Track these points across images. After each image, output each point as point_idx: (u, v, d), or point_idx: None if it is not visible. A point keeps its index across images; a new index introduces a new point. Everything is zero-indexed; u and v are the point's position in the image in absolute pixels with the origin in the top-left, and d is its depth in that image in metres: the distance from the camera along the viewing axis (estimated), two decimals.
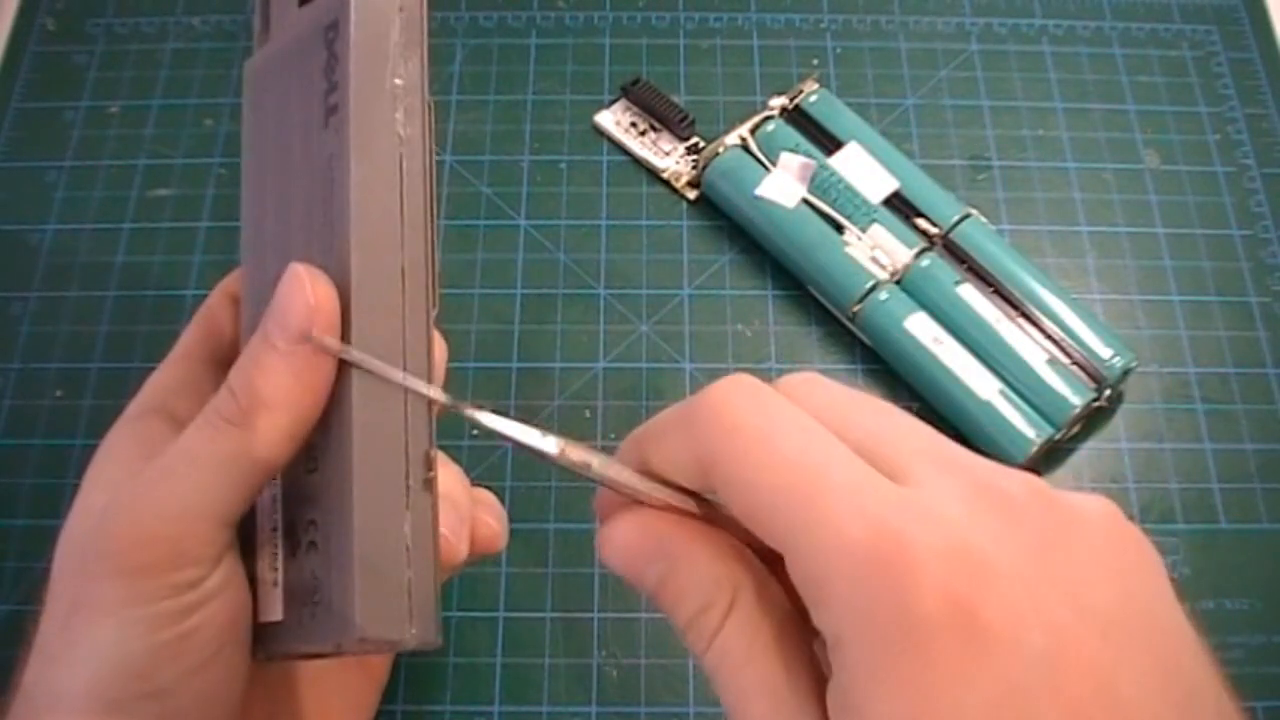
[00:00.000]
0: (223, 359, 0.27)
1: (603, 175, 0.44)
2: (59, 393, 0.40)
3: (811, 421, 0.19)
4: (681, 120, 0.44)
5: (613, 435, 0.38)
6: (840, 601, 0.17)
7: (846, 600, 0.17)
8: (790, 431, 0.18)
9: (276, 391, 0.23)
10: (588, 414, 0.39)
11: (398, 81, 0.25)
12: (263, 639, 0.25)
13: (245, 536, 0.25)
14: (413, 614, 0.23)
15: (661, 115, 0.44)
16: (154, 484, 0.23)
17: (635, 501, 0.21)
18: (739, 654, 0.19)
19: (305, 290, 0.23)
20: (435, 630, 0.23)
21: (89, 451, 0.39)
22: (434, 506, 0.24)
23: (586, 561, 0.36)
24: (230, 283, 0.29)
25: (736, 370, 0.39)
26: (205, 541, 0.23)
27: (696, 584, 0.20)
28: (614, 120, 0.45)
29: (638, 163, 0.44)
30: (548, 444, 0.22)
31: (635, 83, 0.45)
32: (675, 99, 0.44)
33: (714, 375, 0.39)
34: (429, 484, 0.24)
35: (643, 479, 0.21)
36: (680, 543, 0.21)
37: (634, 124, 0.44)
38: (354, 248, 0.23)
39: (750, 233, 0.42)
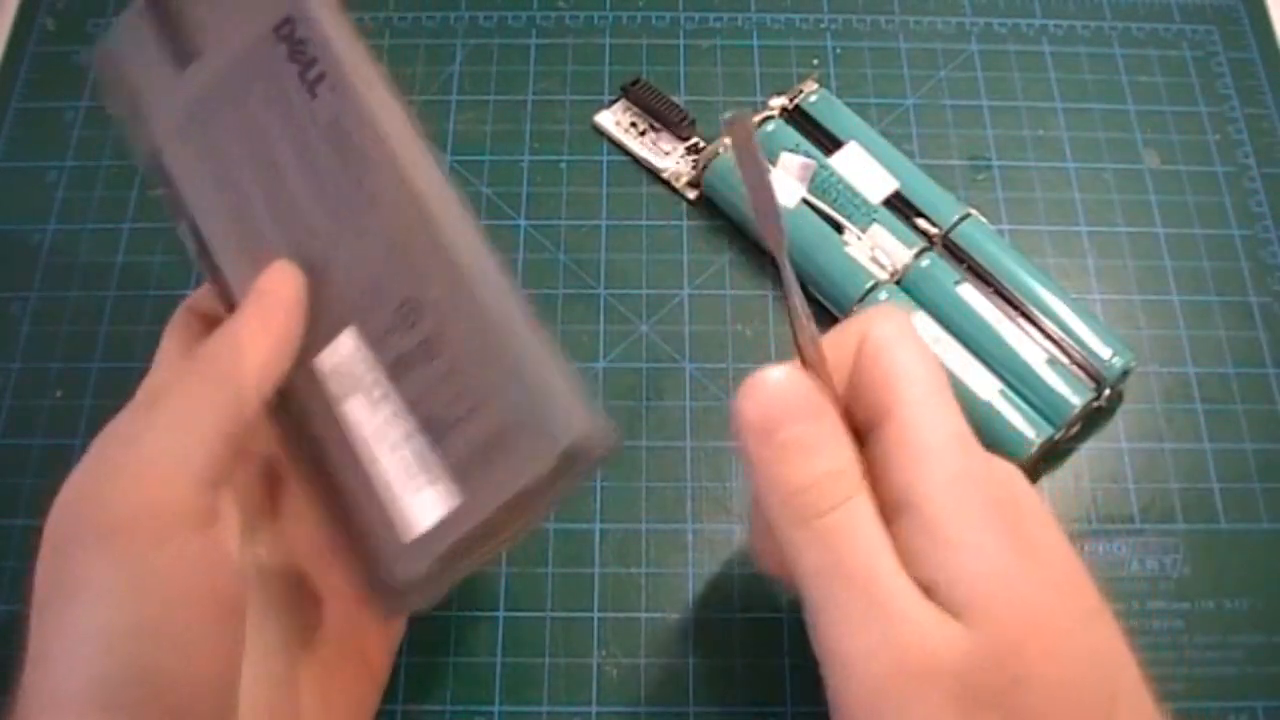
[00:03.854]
0: None
1: (603, 175, 0.44)
2: (59, 393, 0.40)
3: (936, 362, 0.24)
4: (681, 120, 0.44)
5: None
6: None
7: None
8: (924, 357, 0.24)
9: (244, 335, 0.24)
10: None
11: (364, 50, 0.27)
12: (421, 550, 0.25)
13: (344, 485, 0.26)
14: (593, 415, 0.24)
15: (661, 115, 0.44)
16: (129, 447, 0.23)
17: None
18: (866, 526, 0.22)
19: (288, 273, 0.26)
20: (613, 433, 0.24)
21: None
22: (553, 342, 0.25)
23: (586, 561, 0.36)
24: (196, 301, 0.30)
25: (736, 370, 0.39)
26: (187, 501, 0.22)
27: (838, 447, 0.23)
28: (614, 120, 0.45)
29: (638, 163, 0.44)
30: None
31: (635, 83, 0.45)
32: (675, 99, 0.44)
33: (714, 375, 0.39)
34: (540, 324, 0.25)
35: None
36: (828, 406, 0.23)
37: (634, 124, 0.44)
38: (402, 157, 0.26)
39: (750, 233, 0.42)
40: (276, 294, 0.26)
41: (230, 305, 0.28)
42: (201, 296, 0.30)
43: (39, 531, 0.37)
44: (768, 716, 0.34)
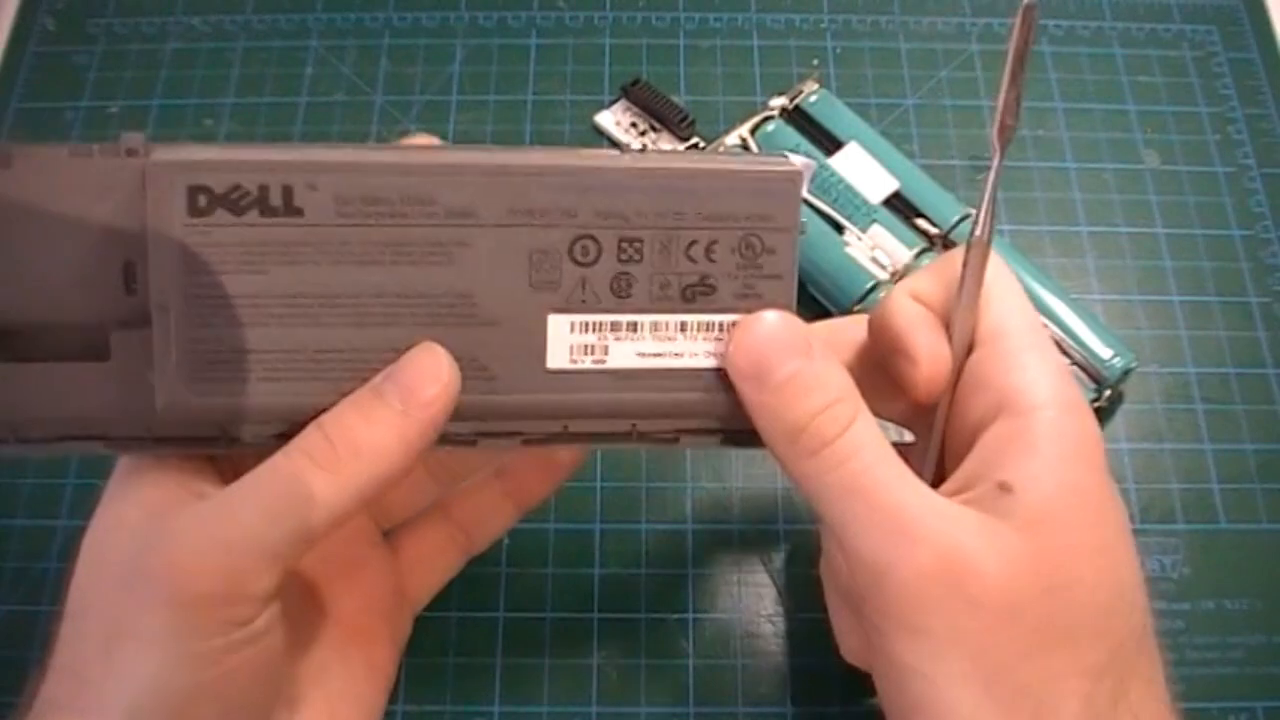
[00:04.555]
0: None
1: None
2: None
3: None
4: (681, 120, 0.44)
5: None
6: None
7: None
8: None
9: (377, 445, 0.22)
10: None
11: None
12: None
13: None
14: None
15: (661, 115, 0.44)
16: (220, 513, 0.22)
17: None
18: (874, 443, 0.23)
19: (440, 364, 0.23)
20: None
21: None
22: None
23: (586, 561, 0.36)
24: None
25: None
26: (263, 578, 0.22)
27: (833, 378, 0.23)
28: (614, 120, 0.45)
29: None
30: None
31: (635, 83, 0.45)
32: (675, 99, 0.44)
33: None
34: None
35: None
36: (819, 343, 0.24)
37: (634, 124, 0.44)
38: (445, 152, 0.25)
39: None
40: (420, 383, 0.23)
41: None
42: None
43: (39, 531, 0.38)
44: (768, 716, 0.34)
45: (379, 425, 0.22)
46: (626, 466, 0.38)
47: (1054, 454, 0.23)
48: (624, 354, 0.25)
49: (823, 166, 0.41)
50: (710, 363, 0.25)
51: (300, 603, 0.28)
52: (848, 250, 0.39)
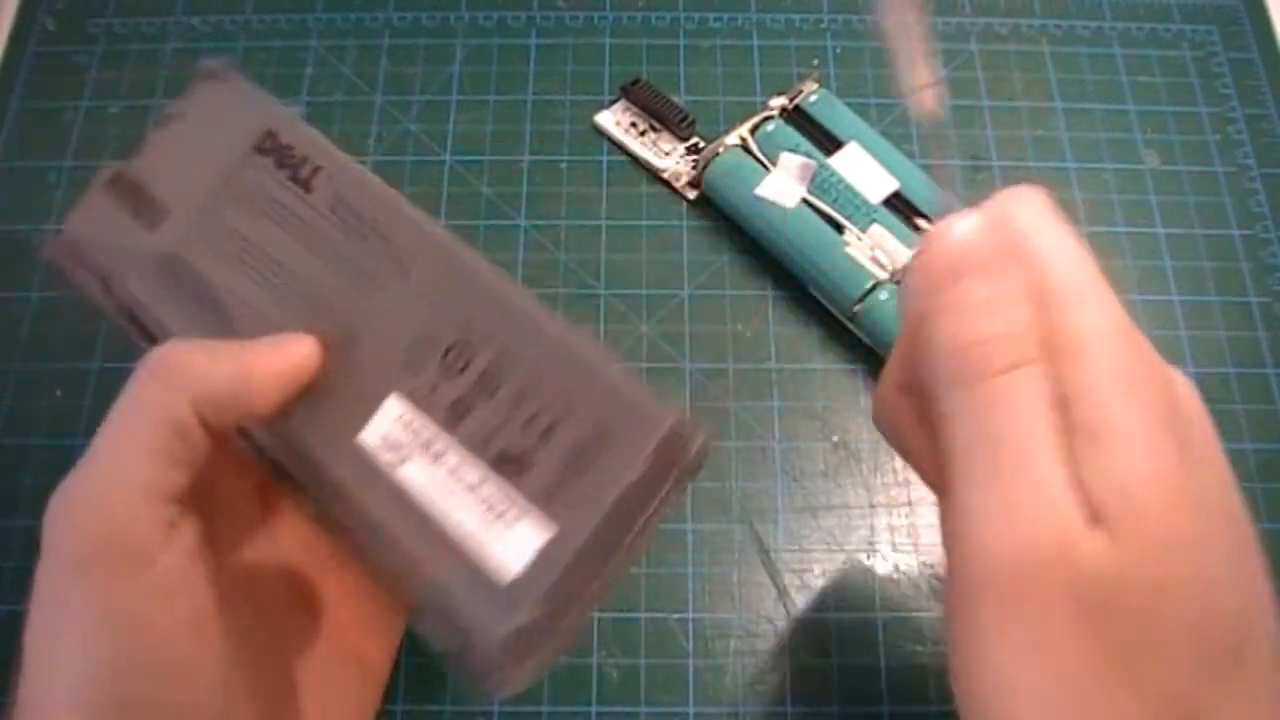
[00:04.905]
0: None
1: (603, 175, 0.44)
2: (59, 393, 0.40)
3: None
4: (681, 120, 0.44)
5: None
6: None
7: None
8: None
9: (214, 361, 0.24)
10: None
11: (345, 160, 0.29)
12: (522, 593, 0.23)
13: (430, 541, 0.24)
14: (678, 408, 0.24)
15: (661, 115, 0.44)
16: (85, 468, 0.23)
17: None
18: (1038, 394, 0.20)
19: (303, 349, 0.25)
20: (702, 424, 0.24)
21: None
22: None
23: None
24: None
25: (736, 370, 0.39)
26: (140, 514, 0.22)
27: (1020, 309, 0.21)
28: (614, 120, 0.45)
29: (638, 163, 0.44)
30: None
31: (635, 83, 0.45)
32: (675, 99, 0.44)
33: (714, 375, 0.39)
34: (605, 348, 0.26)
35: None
36: (1016, 266, 0.21)
37: (634, 124, 0.44)
38: (416, 212, 0.27)
39: (750, 233, 0.42)
40: (275, 342, 0.25)
41: None
42: None
43: (39, 532, 0.38)
44: (768, 716, 0.34)
45: (221, 351, 0.24)
46: None
47: (1121, 444, 0.20)
48: (416, 473, 0.24)
49: (823, 166, 0.41)
50: (466, 543, 0.24)
51: (289, 597, 0.28)
52: (848, 250, 0.39)
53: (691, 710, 0.34)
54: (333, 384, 0.26)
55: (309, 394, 0.25)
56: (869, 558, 0.37)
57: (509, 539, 0.23)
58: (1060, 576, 0.19)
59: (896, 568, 0.37)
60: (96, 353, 0.40)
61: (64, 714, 0.21)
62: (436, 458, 0.24)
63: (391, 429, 0.25)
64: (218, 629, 0.23)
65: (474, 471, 0.24)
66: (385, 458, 0.25)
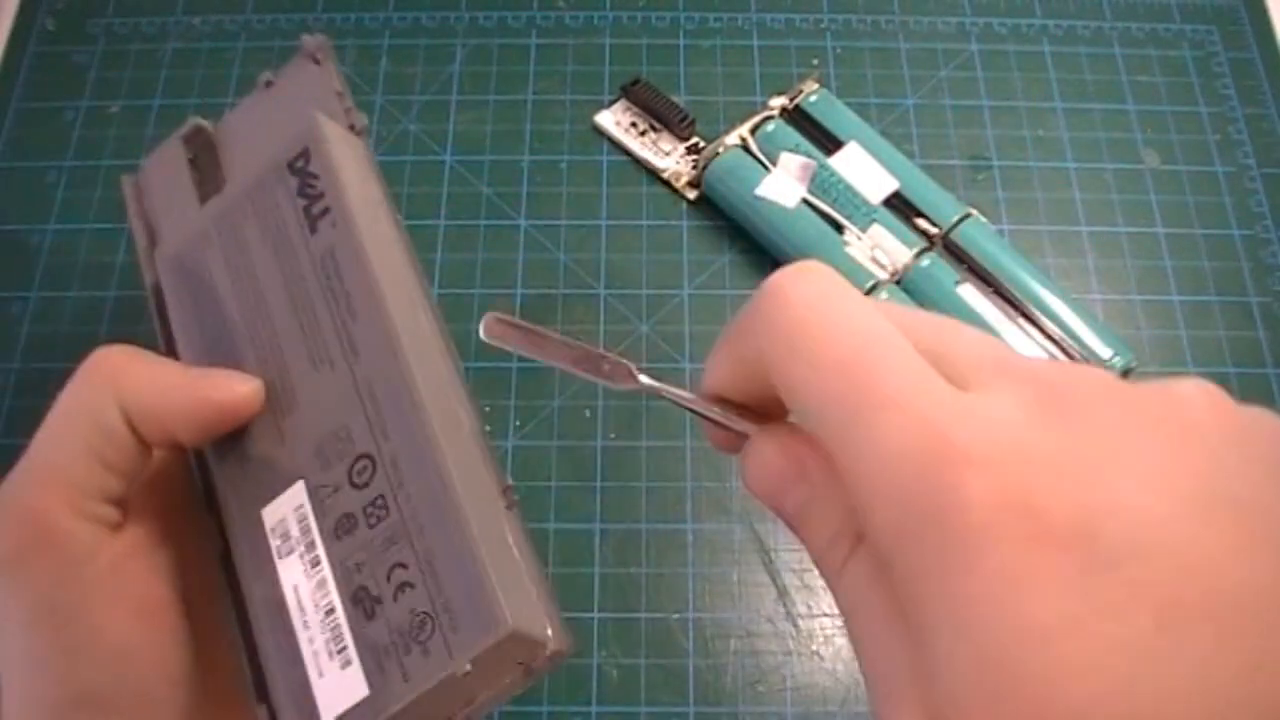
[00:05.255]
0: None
1: (603, 175, 0.44)
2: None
3: (873, 315, 0.17)
4: (681, 120, 0.44)
5: (613, 435, 0.38)
6: (885, 518, 0.15)
7: (892, 518, 0.15)
8: (846, 328, 0.16)
9: (150, 373, 0.24)
10: (588, 414, 0.39)
11: (373, 192, 0.28)
12: None
13: (277, 654, 0.23)
14: (548, 615, 0.22)
15: (661, 115, 0.44)
16: (18, 468, 0.23)
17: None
18: (865, 584, 0.17)
19: (250, 388, 0.25)
20: (570, 637, 0.23)
21: None
22: (524, 521, 0.24)
23: (587, 561, 0.36)
24: None
25: None
26: (66, 511, 0.22)
27: (832, 511, 0.18)
28: (614, 120, 0.45)
29: (638, 163, 0.44)
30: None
31: (635, 83, 0.45)
32: (675, 99, 0.44)
33: None
34: (513, 504, 0.24)
35: (706, 402, 0.19)
36: (819, 468, 0.18)
37: (634, 124, 0.44)
38: (390, 306, 0.25)
39: (750, 233, 0.42)
40: (222, 375, 0.25)
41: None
42: None
43: None
44: (767, 716, 0.34)
45: (159, 367, 0.24)
46: (626, 466, 0.38)
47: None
48: (291, 572, 0.24)
49: (823, 166, 0.41)
50: (305, 661, 0.23)
51: None
52: (848, 250, 0.39)
53: (691, 710, 0.34)
54: (258, 442, 0.25)
55: (236, 441, 0.25)
56: None
57: (336, 681, 0.22)
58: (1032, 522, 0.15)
59: None
60: None
61: (19, 711, 0.21)
62: (313, 565, 0.24)
63: (289, 516, 0.24)
64: (172, 623, 0.23)
65: (334, 596, 0.23)
66: (275, 542, 0.24)
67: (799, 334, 0.16)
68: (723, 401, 0.19)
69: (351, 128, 0.29)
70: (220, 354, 0.27)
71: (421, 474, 0.23)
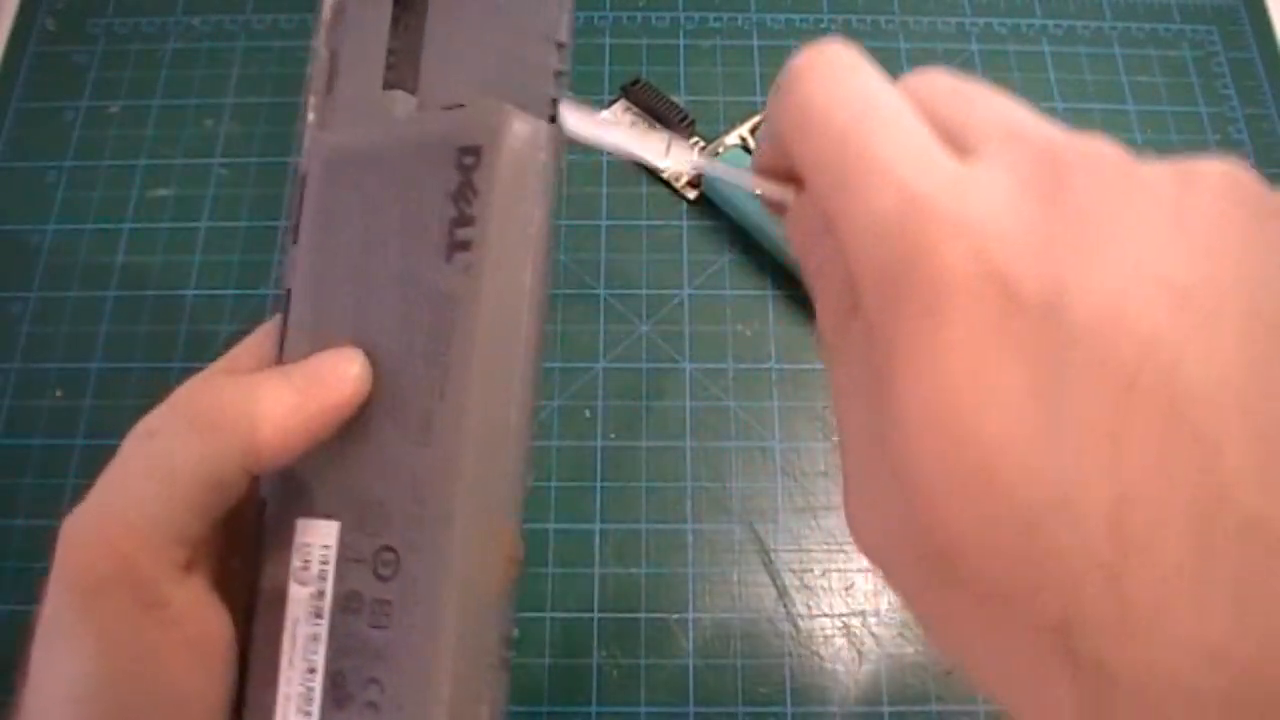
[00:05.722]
0: None
1: (603, 175, 0.44)
2: (59, 393, 0.40)
3: (881, 89, 0.17)
4: (681, 120, 0.44)
5: (613, 435, 0.38)
6: (868, 281, 0.15)
7: (874, 280, 0.15)
8: (848, 100, 0.16)
9: (266, 413, 0.22)
10: (588, 414, 0.39)
11: (531, 230, 0.23)
12: None
13: (262, 656, 0.23)
14: None
15: (661, 115, 0.44)
16: (104, 496, 0.22)
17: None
18: (853, 357, 0.17)
19: (353, 363, 0.23)
20: None
21: (89, 451, 0.39)
22: (508, 686, 0.23)
23: (587, 561, 0.36)
24: (267, 331, 0.26)
25: (737, 370, 0.39)
26: (157, 558, 0.21)
27: (838, 276, 0.18)
28: (614, 120, 0.45)
29: (638, 163, 0.44)
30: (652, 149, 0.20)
31: (635, 83, 0.45)
32: (675, 99, 0.44)
33: (714, 375, 0.39)
34: (505, 663, 0.23)
35: (754, 177, 0.20)
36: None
37: (634, 124, 0.44)
38: (473, 432, 0.22)
39: (750, 233, 0.42)
40: (330, 369, 0.23)
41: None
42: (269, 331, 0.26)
43: (39, 531, 0.38)
44: (768, 716, 0.34)
45: (270, 401, 0.22)
46: (626, 466, 0.38)
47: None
48: (297, 606, 0.23)
49: None
50: (280, 705, 0.23)
51: None
52: None
53: (691, 710, 0.34)
54: (319, 447, 0.23)
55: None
56: None
57: None
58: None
59: None
60: (96, 353, 0.40)
61: None
62: (315, 615, 0.23)
63: (315, 548, 0.23)
64: (225, 666, 0.23)
65: (321, 660, 0.23)
66: (296, 561, 0.23)
67: (806, 107, 0.17)
68: (767, 173, 0.19)
69: (553, 102, 0.24)
70: (326, 313, 0.24)
71: (425, 621, 0.22)
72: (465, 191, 0.23)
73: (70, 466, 0.38)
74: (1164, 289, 0.13)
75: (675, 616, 0.36)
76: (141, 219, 0.43)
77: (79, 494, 0.34)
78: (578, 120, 0.21)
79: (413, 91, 0.25)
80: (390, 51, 0.25)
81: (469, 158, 0.23)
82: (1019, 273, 0.14)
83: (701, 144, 0.44)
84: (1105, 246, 0.14)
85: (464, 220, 0.22)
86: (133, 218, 0.43)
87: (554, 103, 0.24)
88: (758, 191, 0.20)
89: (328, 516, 0.23)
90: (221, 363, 0.26)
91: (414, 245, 0.23)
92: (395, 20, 0.26)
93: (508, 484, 0.23)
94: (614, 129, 0.20)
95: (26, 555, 0.37)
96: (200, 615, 0.23)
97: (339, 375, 0.23)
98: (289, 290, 0.24)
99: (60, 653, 0.21)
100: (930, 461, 0.14)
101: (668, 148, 0.21)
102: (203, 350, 0.40)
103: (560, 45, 0.24)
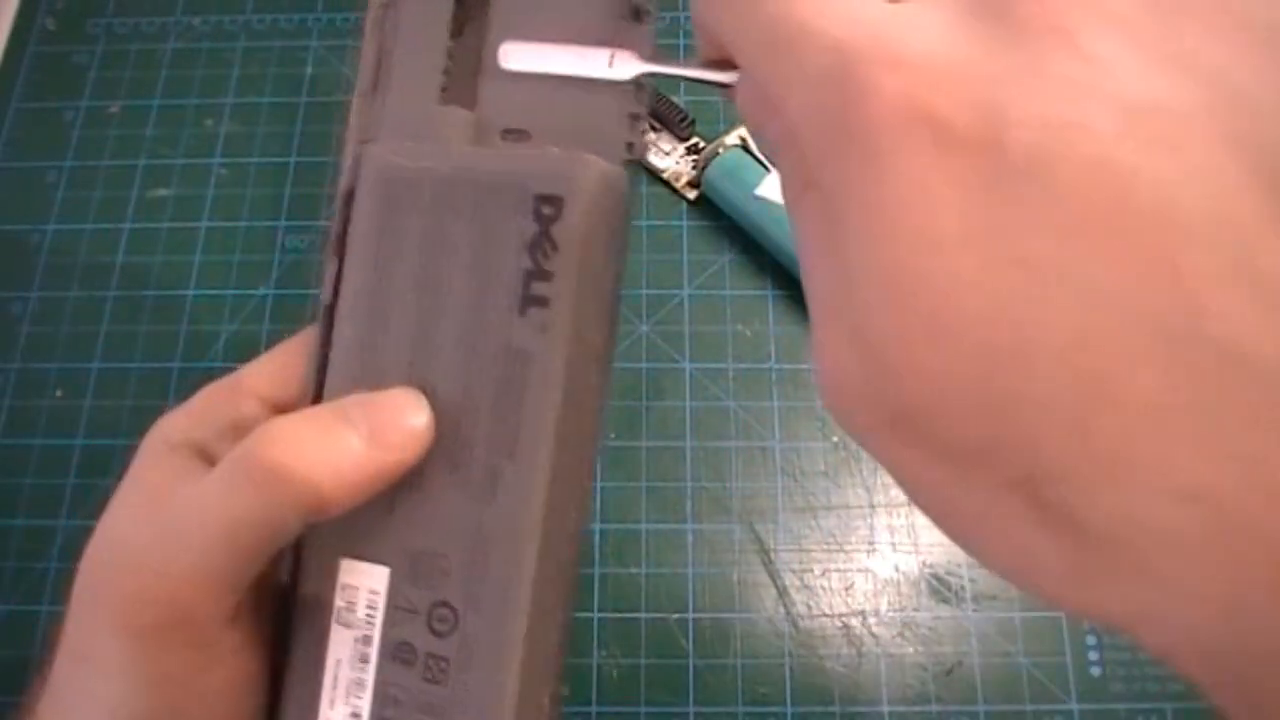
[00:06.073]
0: (287, 409, 0.24)
1: None
2: (59, 393, 0.40)
3: None
4: (681, 120, 0.44)
5: (613, 435, 0.38)
6: (810, 142, 0.14)
7: (815, 139, 0.14)
8: None
9: (329, 472, 0.21)
10: None
11: (606, 288, 0.22)
12: None
13: (301, 680, 0.23)
14: None
15: (661, 115, 0.44)
16: (160, 539, 0.21)
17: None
18: (811, 219, 0.16)
19: (420, 413, 0.22)
20: None
21: (89, 451, 0.40)
22: None
23: (587, 561, 0.36)
24: (304, 339, 0.25)
25: (736, 370, 0.39)
26: (212, 605, 0.21)
27: (793, 146, 0.17)
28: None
29: (638, 163, 0.44)
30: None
31: None
32: (675, 99, 0.44)
33: (714, 375, 0.39)
34: (555, 701, 0.23)
35: (698, 68, 0.19)
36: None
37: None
38: (547, 490, 0.22)
39: (750, 233, 0.42)
40: (395, 419, 0.22)
41: (317, 395, 0.23)
42: (305, 339, 0.25)
43: (39, 531, 0.38)
44: (768, 716, 0.34)
45: (336, 453, 0.21)
46: (626, 466, 0.38)
47: None
48: (340, 647, 0.23)
49: None
50: None
51: None
52: None
53: (691, 710, 0.34)
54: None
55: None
56: (869, 557, 0.37)
57: None
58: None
59: (896, 568, 0.37)
60: (96, 353, 0.40)
61: None
62: (360, 660, 0.22)
63: (362, 592, 0.22)
64: (260, 691, 0.23)
65: (363, 705, 0.22)
66: (339, 601, 0.23)
67: None
68: (711, 63, 0.19)
69: (630, 148, 0.23)
70: (378, 346, 0.22)
71: (487, 682, 0.21)
72: (543, 244, 0.21)
73: (70, 466, 0.38)
74: (1113, 107, 0.12)
75: (675, 616, 0.36)
76: (141, 219, 0.43)
77: (79, 494, 0.34)
78: (519, 59, 0.20)
79: (470, 107, 0.23)
80: (449, 55, 0.23)
81: (548, 208, 0.21)
82: (952, 106, 0.13)
83: (702, 143, 0.44)
84: (1049, 66, 0.12)
85: (541, 275, 0.21)
86: (133, 218, 0.43)
87: (630, 147, 0.23)
88: (700, 78, 0.19)
89: (376, 560, 0.22)
90: (251, 372, 0.25)
91: (483, 291, 0.22)
92: (454, 20, 0.24)
93: (573, 545, 0.23)
94: (553, 55, 0.20)
95: (26, 555, 0.37)
96: (244, 653, 0.22)
97: (407, 431, 0.22)
98: (329, 307, 0.23)
99: (104, 686, 0.21)
100: (882, 316, 0.13)
101: (610, 59, 0.20)
102: (203, 350, 0.40)
103: (639, 85, 0.22)
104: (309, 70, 0.46)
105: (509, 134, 0.22)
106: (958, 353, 0.12)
